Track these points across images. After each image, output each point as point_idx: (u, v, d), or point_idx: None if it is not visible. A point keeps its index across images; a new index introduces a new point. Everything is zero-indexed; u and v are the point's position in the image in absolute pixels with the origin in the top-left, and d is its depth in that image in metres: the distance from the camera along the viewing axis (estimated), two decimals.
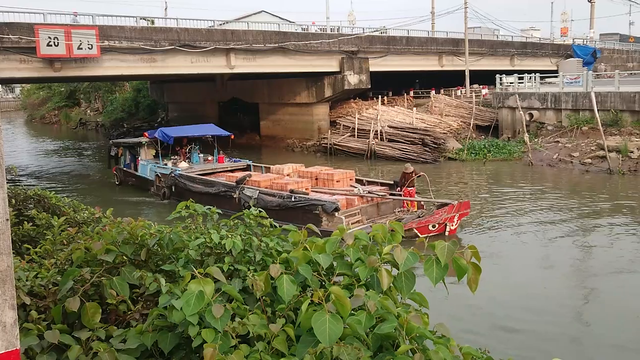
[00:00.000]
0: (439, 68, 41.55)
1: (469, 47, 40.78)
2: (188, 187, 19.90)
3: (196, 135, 23.77)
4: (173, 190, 20.75)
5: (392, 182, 18.37)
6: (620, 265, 13.13)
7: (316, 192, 17.80)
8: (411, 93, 40.80)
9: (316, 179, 18.90)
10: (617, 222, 17.00)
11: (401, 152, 30.43)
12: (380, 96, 37.71)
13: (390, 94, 41.95)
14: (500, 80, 35.34)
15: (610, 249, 14.46)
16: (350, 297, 2.53)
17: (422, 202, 17.17)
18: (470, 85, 40.75)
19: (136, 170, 23.99)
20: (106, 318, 3.05)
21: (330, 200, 15.92)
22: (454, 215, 15.39)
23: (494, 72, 37.47)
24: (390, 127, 32.43)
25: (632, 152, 25.15)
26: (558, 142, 28.70)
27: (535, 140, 29.66)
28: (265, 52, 31.83)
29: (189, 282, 2.65)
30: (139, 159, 23.89)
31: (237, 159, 23.95)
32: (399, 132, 31.91)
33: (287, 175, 19.58)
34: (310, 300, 2.54)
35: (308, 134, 36.56)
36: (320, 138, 35.37)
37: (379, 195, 17.29)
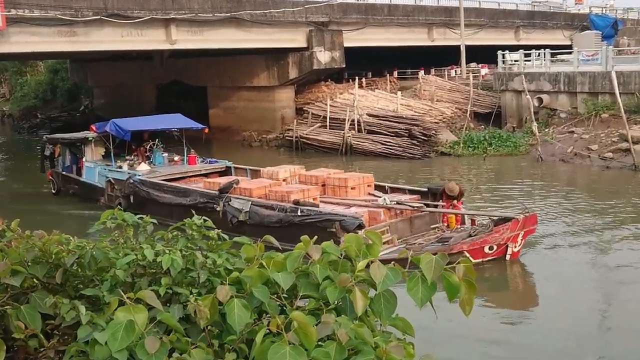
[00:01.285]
0: (428, 43, 41.93)
1: (465, 17, 41.20)
2: (153, 196, 19.04)
3: (159, 128, 22.89)
4: (132, 200, 19.67)
5: (425, 190, 17.44)
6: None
7: (326, 202, 16.84)
8: (394, 74, 41.04)
9: (323, 185, 18.00)
10: None
11: (383, 145, 30.65)
12: (357, 78, 37.89)
13: (370, 75, 42.15)
14: (503, 57, 35.79)
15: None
16: (316, 325, 2.54)
17: (473, 217, 16.29)
18: (466, 64, 41.21)
19: (80, 174, 22.97)
20: (13, 357, 3.00)
21: (351, 215, 15.02)
22: (518, 234, 14.46)
23: (495, 48, 37.89)
24: (369, 115, 32.62)
25: None
26: (573, 132, 29.21)
27: (546, 130, 30.16)
28: (214, 24, 31.71)
29: (115, 309, 2.63)
30: (84, 160, 22.77)
31: (214, 159, 22.96)
32: (381, 121, 32.12)
33: (283, 180, 18.61)
34: (267, 330, 2.55)
35: (269, 125, 36.56)
36: (284, 130, 35.45)
37: (413, 207, 16.16)
